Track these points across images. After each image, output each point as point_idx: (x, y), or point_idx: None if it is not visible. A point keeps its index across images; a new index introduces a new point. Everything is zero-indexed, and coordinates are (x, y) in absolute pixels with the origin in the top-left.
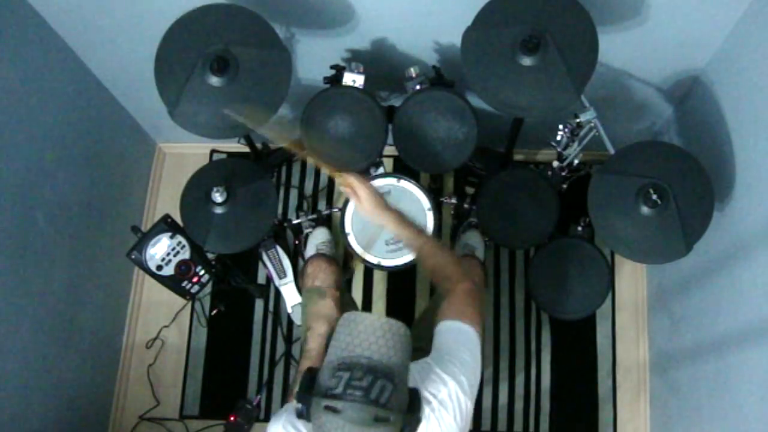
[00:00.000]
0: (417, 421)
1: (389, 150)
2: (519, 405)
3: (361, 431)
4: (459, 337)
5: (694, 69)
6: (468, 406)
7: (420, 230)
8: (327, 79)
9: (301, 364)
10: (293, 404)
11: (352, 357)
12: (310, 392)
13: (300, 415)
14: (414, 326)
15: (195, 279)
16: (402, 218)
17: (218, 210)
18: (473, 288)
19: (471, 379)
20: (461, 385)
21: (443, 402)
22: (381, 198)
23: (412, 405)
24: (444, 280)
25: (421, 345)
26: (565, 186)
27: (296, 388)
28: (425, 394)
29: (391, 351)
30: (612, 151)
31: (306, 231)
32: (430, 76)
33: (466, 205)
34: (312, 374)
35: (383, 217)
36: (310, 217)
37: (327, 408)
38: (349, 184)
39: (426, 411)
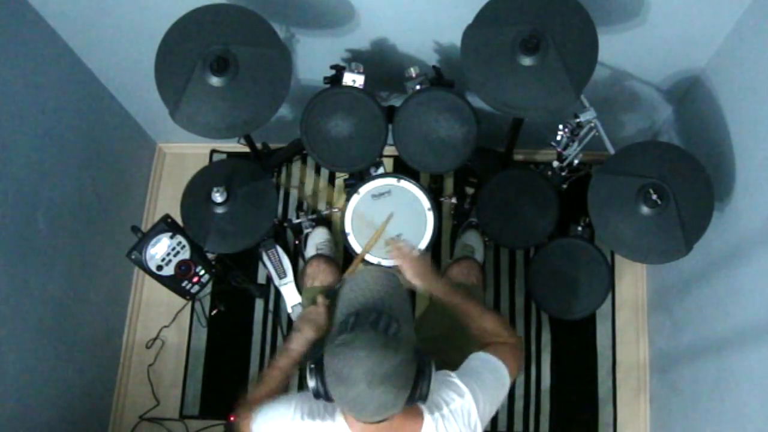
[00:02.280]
0: (427, 382)
1: (389, 150)
2: (519, 405)
3: (373, 357)
4: (489, 366)
5: (694, 69)
6: (478, 425)
7: (466, 295)
8: (327, 79)
9: (278, 360)
10: (302, 396)
11: (356, 305)
12: (320, 349)
13: (316, 393)
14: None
15: (195, 279)
16: (449, 286)
17: (218, 210)
18: (519, 345)
19: (487, 404)
20: (477, 402)
21: (454, 412)
22: (430, 266)
23: (422, 368)
24: (488, 336)
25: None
26: (565, 186)
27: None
28: (438, 398)
29: (389, 294)
30: (612, 151)
31: (306, 231)
32: (430, 76)
33: (466, 205)
34: (317, 355)
35: (432, 282)
36: (310, 217)
37: (339, 344)
38: (399, 249)
39: (435, 415)
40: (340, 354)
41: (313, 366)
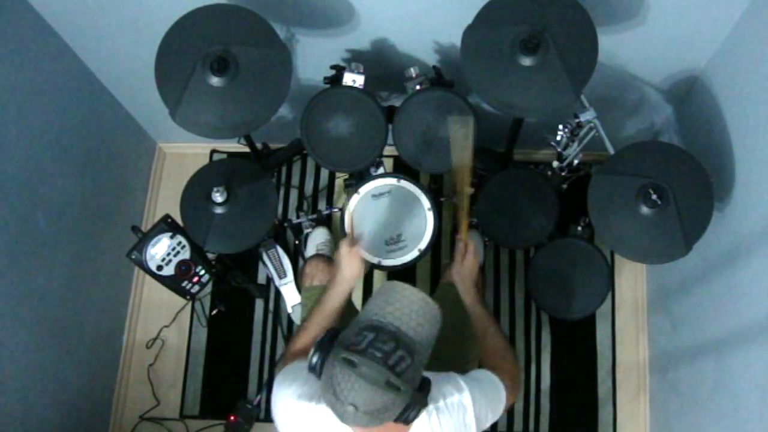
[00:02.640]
0: (423, 403)
1: (389, 150)
2: (519, 405)
3: (370, 391)
4: (491, 380)
5: (694, 69)
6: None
7: (490, 313)
8: (327, 79)
9: (300, 338)
10: (300, 371)
11: (381, 321)
12: (330, 344)
13: (312, 368)
14: None
15: (195, 279)
16: (483, 300)
17: (218, 210)
18: (519, 377)
19: (483, 408)
20: (474, 401)
21: (449, 406)
22: (477, 276)
23: (423, 387)
24: (496, 358)
25: None
26: (565, 186)
27: (287, 358)
28: (436, 391)
29: (420, 327)
30: (612, 151)
31: (306, 231)
32: (430, 76)
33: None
34: (335, 331)
35: (470, 287)
36: (310, 217)
37: (344, 359)
38: (467, 245)
39: (430, 407)
40: (341, 368)
41: (318, 353)
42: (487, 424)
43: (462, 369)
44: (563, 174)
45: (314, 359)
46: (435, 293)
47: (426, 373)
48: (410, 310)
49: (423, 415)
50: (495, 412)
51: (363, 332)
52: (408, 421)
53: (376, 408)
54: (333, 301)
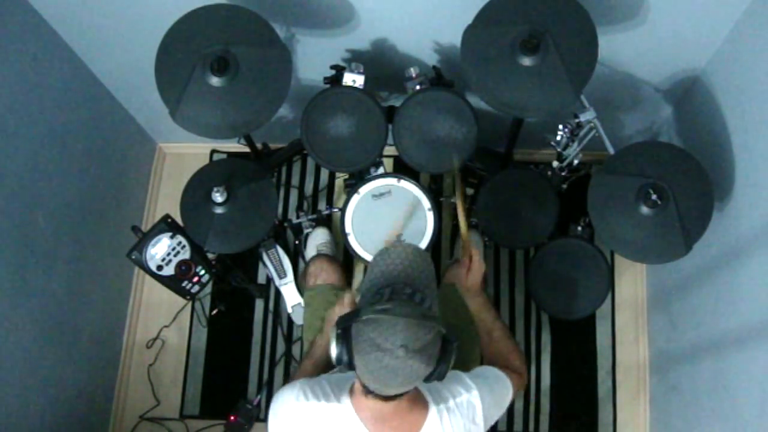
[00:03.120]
0: (448, 360)
1: (389, 150)
2: (519, 405)
3: (414, 325)
4: (497, 375)
5: (694, 69)
6: (480, 426)
7: (497, 317)
8: (327, 79)
9: (303, 364)
10: (305, 379)
11: (389, 277)
12: (350, 316)
13: (339, 359)
14: None
15: (195, 279)
16: (489, 303)
17: (218, 210)
18: (525, 376)
19: (491, 406)
20: (483, 399)
21: (459, 405)
22: (484, 281)
23: (445, 344)
24: (502, 359)
25: None
26: (565, 186)
27: (298, 377)
28: (445, 391)
29: (424, 271)
30: (612, 151)
31: (306, 231)
32: (430, 76)
33: (466, 205)
34: (347, 319)
35: (476, 296)
36: (310, 217)
37: (378, 311)
38: (470, 253)
39: (440, 406)
40: (377, 321)
41: (340, 331)
42: (494, 421)
43: (464, 370)
44: (563, 174)
45: (337, 350)
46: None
47: None
48: (408, 260)
49: (434, 416)
50: (501, 408)
51: (379, 291)
52: (441, 375)
53: (422, 343)
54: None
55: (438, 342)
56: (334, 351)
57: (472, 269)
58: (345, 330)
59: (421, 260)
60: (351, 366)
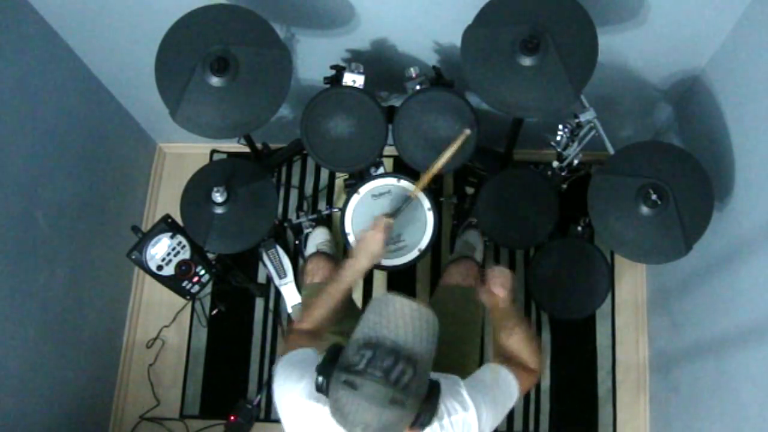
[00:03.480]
0: (433, 410)
1: (389, 150)
2: (519, 405)
3: (375, 410)
4: (501, 379)
5: (694, 69)
6: None
7: (520, 321)
8: (327, 79)
9: (329, 286)
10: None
11: (378, 337)
12: (332, 365)
13: (319, 388)
14: None
15: (195, 279)
16: (514, 310)
17: (218, 210)
18: (539, 375)
19: (489, 420)
20: (480, 417)
21: (455, 423)
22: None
23: (430, 394)
24: (514, 356)
25: None
26: (565, 186)
27: (290, 339)
28: (441, 407)
29: (417, 338)
30: (612, 151)
31: (306, 231)
32: (430, 76)
33: (466, 205)
34: (336, 350)
35: (504, 297)
36: (310, 217)
37: (345, 382)
38: (499, 278)
39: (434, 424)
40: (344, 392)
41: (320, 379)
42: (493, 428)
43: (463, 373)
44: (563, 174)
45: (319, 380)
46: (434, 296)
47: (433, 375)
48: (404, 321)
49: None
50: (501, 415)
51: (360, 351)
52: (423, 426)
53: (384, 426)
54: (343, 281)
55: (411, 415)
56: (317, 380)
57: (498, 284)
58: (326, 373)
59: (419, 322)
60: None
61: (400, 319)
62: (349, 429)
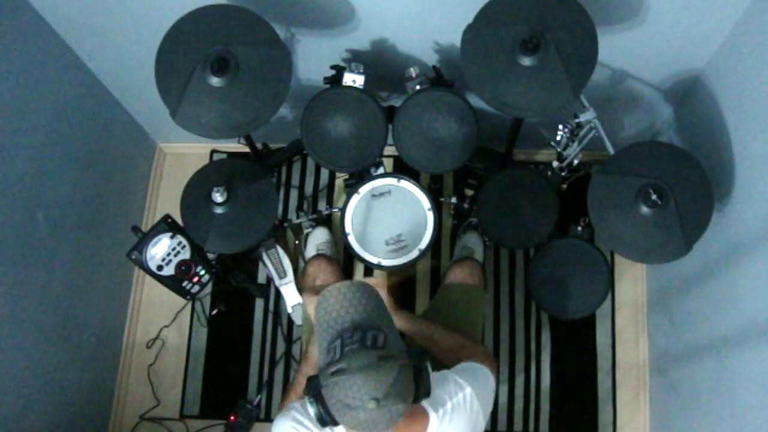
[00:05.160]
0: (423, 360)
1: (389, 150)
2: (519, 405)
3: (372, 375)
4: (476, 368)
5: (694, 69)
6: (481, 419)
7: (424, 320)
8: (327, 79)
9: (301, 366)
10: (298, 404)
11: (336, 327)
12: (316, 383)
13: (320, 418)
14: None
15: (195, 279)
16: (408, 315)
17: (218, 210)
18: (487, 351)
19: (483, 398)
20: (478, 394)
21: (457, 405)
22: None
23: (411, 351)
24: (458, 350)
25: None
26: (565, 186)
27: (295, 388)
28: (440, 394)
29: (368, 307)
30: (612, 151)
31: (306, 231)
32: (430, 76)
33: (466, 205)
34: (311, 378)
35: (397, 316)
36: (310, 217)
37: (333, 374)
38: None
39: (440, 411)
40: (338, 383)
41: (312, 399)
42: (490, 408)
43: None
44: (563, 174)
45: (313, 408)
46: (437, 295)
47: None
48: (347, 300)
49: (435, 422)
50: (492, 393)
51: (330, 347)
52: (427, 392)
53: (390, 388)
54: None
55: (407, 369)
56: (313, 412)
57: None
58: (316, 395)
59: (359, 294)
60: (336, 423)
61: (344, 301)
62: (363, 413)
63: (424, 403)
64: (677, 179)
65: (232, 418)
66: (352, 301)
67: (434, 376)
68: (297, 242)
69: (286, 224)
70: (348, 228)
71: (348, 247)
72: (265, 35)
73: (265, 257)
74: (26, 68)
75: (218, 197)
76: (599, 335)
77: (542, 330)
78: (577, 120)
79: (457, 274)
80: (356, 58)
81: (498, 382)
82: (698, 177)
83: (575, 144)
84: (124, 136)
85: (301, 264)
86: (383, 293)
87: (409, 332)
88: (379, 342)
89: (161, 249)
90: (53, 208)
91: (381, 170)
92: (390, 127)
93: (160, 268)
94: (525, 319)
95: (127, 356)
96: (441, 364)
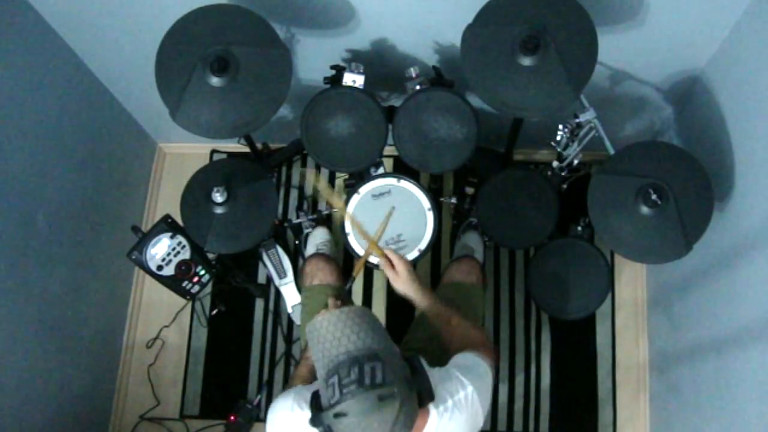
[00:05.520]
0: (427, 381)
1: (389, 150)
2: (519, 405)
3: (375, 417)
4: (476, 362)
5: (694, 69)
6: (480, 416)
7: (447, 305)
8: (327, 79)
9: (299, 368)
10: (300, 388)
11: (332, 360)
12: (319, 413)
13: None
14: (414, 325)
15: (195, 279)
16: (433, 295)
17: (218, 210)
18: (491, 346)
19: (483, 394)
20: (479, 392)
21: (458, 403)
22: (414, 271)
23: (414, 369)
24: (467, 341)
25: (420, 346)
26: (565, 186)
27: (295, 382)
28: (442, 392)
29: (361, 334)
30: (612, 151)
31: (306, 231)
32: (430, 76)
33: (466, 205)
34: (315, 396)
35: (417, 291)
36: (310, 217)
37: (335, 416)
38: (386, 257)
39: (440, 408)
40: (340, 424)
41: (316, 425)
42: (487, 406)
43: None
44: (563, 174)
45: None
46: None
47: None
48: (339, 331)
49: (435, 418)
50: (490, 390)
51: (328, 382)
52: (432, 398)
53: (393, 426)
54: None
55: (408, 399)
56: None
57: (399, 271)
58: (318, 422)
59: (350, 321)
60: None
61: (336, 332)
62: None
63: None
64: (677, 179)
65: (232, 418)
66: (344, 330)
67: (437, 372)
68: (297, 242)
69: (286, 224)
70: (348, 228)
71: (348, 247)
72: (265, 35)
73: (265, 257)
74: (26, 68)
75: (218, 197)
76: (599, 335)
77: (542, 330)
78: (577, 120)
79: (456, 273)
80: (356, 58)
81: (497, 377)
82: (698, 177)
83: (575, 144)
84: (124, 136)
85: (301, 264)
86: (407, 266)
87: (430, 314)
88: (377, 378)
89: (161, 249)
90: (53, 208)
91: (381, 170)
92: (390, 127)
93: (160, 268)
94: (525, 319)
95: (127, 356)
96: (445, 346)
